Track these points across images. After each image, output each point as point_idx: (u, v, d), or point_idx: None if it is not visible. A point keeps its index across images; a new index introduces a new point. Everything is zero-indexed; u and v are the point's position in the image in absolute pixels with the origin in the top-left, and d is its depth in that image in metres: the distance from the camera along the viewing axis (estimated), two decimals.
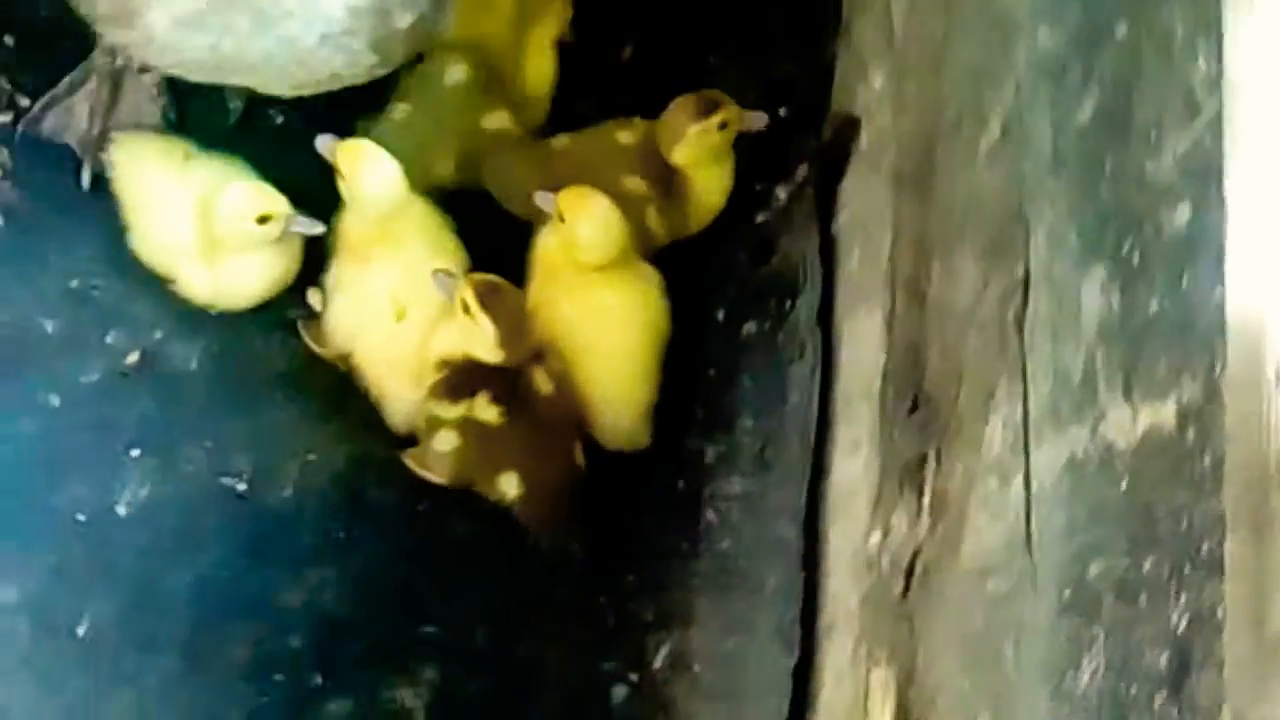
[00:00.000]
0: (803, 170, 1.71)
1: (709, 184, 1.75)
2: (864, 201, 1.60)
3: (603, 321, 1.67)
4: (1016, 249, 1.26)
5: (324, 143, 1.66)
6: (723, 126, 1.72)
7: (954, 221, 1.43)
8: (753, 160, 1.75)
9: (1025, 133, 1.31)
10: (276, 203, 1.67)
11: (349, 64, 1.59)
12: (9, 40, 1.78)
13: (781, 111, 1.80)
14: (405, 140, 1.73)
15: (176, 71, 1.64)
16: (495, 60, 1.78)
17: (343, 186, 1.65)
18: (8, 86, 1.76)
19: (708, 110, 1.71)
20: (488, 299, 1.61)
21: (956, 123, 1.48)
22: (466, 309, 1.62)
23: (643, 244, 1.72)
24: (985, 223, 1.34)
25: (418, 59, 1.73)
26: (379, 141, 1.70)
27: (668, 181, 1.74)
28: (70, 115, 1.76)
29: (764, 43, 1.83)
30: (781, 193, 1.72)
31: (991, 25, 1.44)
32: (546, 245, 1.70)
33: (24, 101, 1.76)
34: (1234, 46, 1.06)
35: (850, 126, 1.68)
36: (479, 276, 1.63)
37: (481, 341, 1.62)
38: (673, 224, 1.74)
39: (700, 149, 1.72)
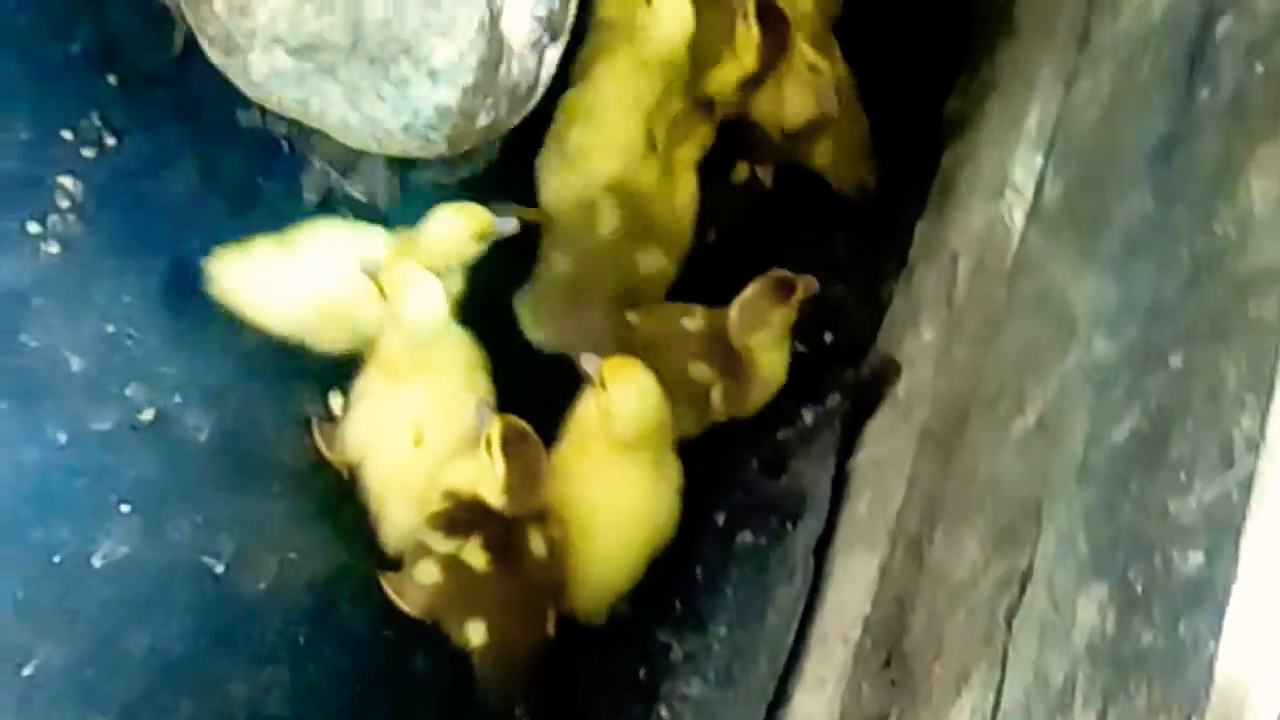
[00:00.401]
0: (834, 399, 1.72)
1: (773, 365, 1.77)
2: (886, 447, 1.62)
3: (617, 507, 1.67)
4: (1024, 542, 1.28)
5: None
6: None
7: (970, 495, 1.45)
8: (789, 376, 1.77)
9: (1059, 432, 1.33)
10: (488, 219, 1.72)
11: (422, 148, 1.66)
12: (112, 79, 1.82)
13: (827, 337, 1.83)
14: (561, 291, 1.78)
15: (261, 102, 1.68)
16: (642, 198, 1.81)
17: (384, 306, 1.66)
18: (99, 123, 1.79)
19: (787, 293, 1.74)
20: (511, 444, 1.60)
21: (995, 400, 1.50)
22: (489, 447, 1.62)
23: (700, 419, 1.75)
24: (1000, 507, 1.36)
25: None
26: (543, 295, 1.77)
27: (733, 364, 1.76)
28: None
29: (828, 263, 1.86)
30: (808, 415, 1.74)
31: (1050, 317, 1.47)
32: (585, 412, 1.70)
33: (111, 140, 1.79)
34: None
35: (891, 369, 1.70)
36: (511, 420, 1.62)
37: (491, 483, 1.62)
38: (734, 404, 1.77)
39: (776, 332, 1.76)
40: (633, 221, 1.79)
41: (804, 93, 1.85)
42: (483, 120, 1.64)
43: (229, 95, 1.78)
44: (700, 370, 1.75)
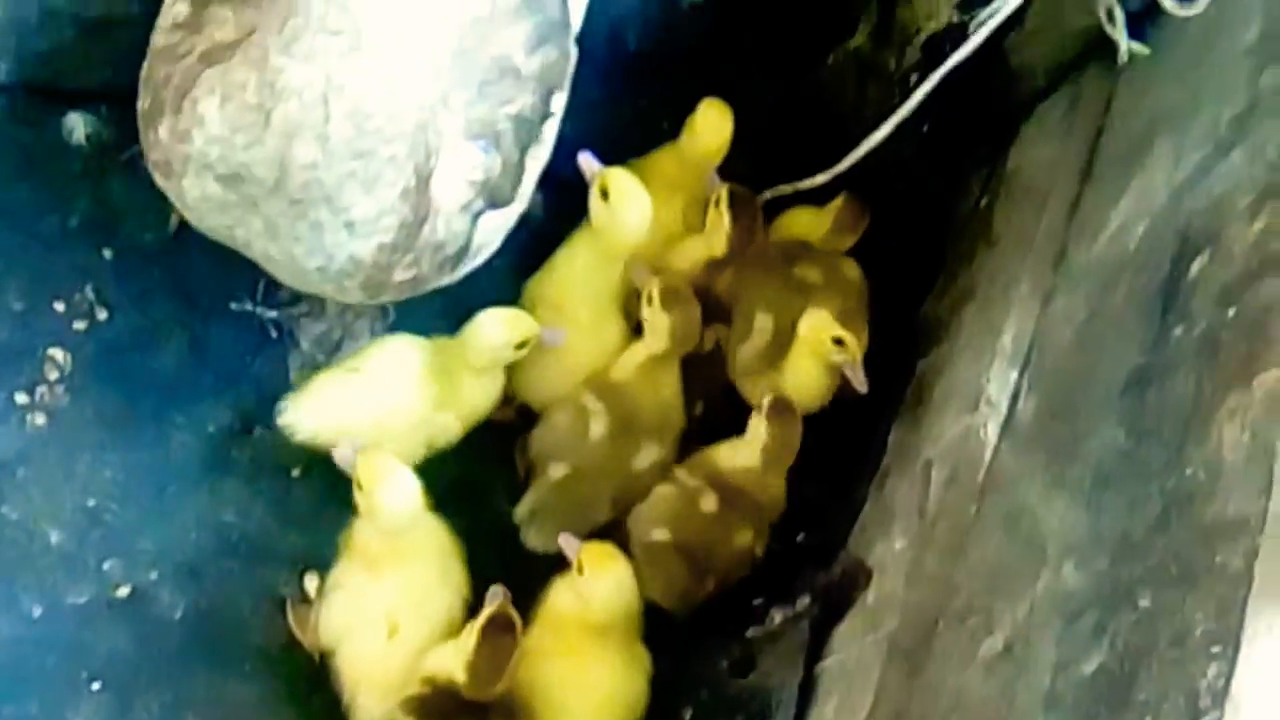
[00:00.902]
0: (804, 601, 1.74)
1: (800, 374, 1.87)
2: (855, 654, 1.63)
3: (586, 693, 1.68)
4: None
5: (343, 454, 1.72)
6: (839, 342, 1.84)
7: (936, 711, 1.46)
8: (760, 575, 1.80)
9: (1027, 658, 1.35)
10: (531, 326, 1.80)
11: (338, 292, 1.67)
12: (107, 254, 1.86)
13: (800, 536, 1.86)
14: (565, 498, 1.81)
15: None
16: (627, 390, 1.85)
17: (359, 497, 1.69)
18: (91, 297, 1.83)
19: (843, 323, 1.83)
20: (491, 630, 1.62)
21: (964, 616, 1.52)
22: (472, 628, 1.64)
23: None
24: None
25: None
26: (542, 504, 1.80)
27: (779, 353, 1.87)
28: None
29: (803, 459, 1.87)
30: (778, 615, 1.75)
31: (1020, 538, 1.50)
32: (560, 597, 1.73)
33: (102, 314, 1.83)
34: (1247, 665, 1.11)
35: (861, 573, 1.72)
36: (505, 609, 1.65)
37: (460, 664, 1.63)
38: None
39: (815, 339, 1.84)
40: (622, 420, 1.83)
41: (818, 372, 1.88)
42: (401, 275, 1.65)
43: (221, 276, 1.84)
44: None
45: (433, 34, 1.58)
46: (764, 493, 1.83)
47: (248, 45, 1.52)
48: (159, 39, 1.63)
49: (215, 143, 1.53)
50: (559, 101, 1.77)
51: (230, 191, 1.56)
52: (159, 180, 1.63)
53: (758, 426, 1.81)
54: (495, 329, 1.81)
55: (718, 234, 1.92)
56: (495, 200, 1.69)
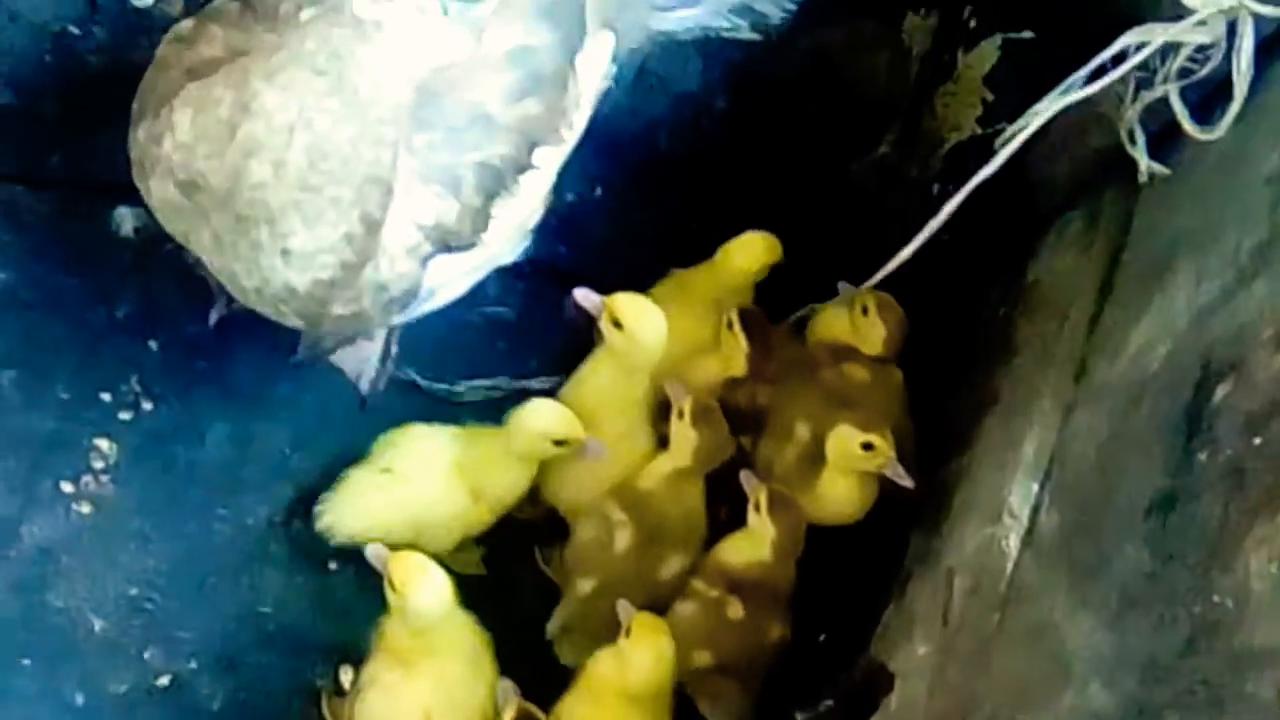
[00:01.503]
0: (826, 704, 1.78)
1: (837, 491, 1.89)
2: None
3: None
4: None
5: (375, 553, 1.76)
6: (868, 448, 1.85)
7: None
8: (784, 677, 1.84)
9: None
10: (576, 428, 1.83)
11: (277, 316, 1.70)
12: (153, 345, 1.91)
13: (822, 638, 1.90)
14: (594, 612, 1.83)
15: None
16: (652, 502, 1.88)
17: (391, 595, 1.73)
18: (137, 388, 1.87)
19: (865, 429, 1.85)
20: None
21: None
22: None
23: None
24: None
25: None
26: (573, 619, 1.84)
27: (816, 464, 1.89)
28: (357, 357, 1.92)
29: (825, 562, 1.92)
30: (800, 716, 1.79)
31: (1044, 653, 1.53)
32: (602, 664, 1.77)
33: (147, 405, 1.87)
34: None
35: (883, 677, 1.76)
36: (525, 707, 1.70)
37: None
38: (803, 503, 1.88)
39: (843, 452, 1.86)
40: (647, 531, 1.86)
41: (855, 482, 1.90)
42: (339, 310, 1.68)
43: (265, 366, 1.89)
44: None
45: (409, 81, 1.62)
46: (780, 579, 1.87)
47: (231, 67, 1.60)
48: (160, 49, 1.72)
49: (180, 149, 1.60)
50: (544, 156, 1.78)
51: (186, 198, 1.62)
52: (136, 179, 1.69)
53: (764, 524, 1.84)
54: (542, 418, 1.84)
55: (735, 356, 1.96)
56: (449, 244, 1.71)
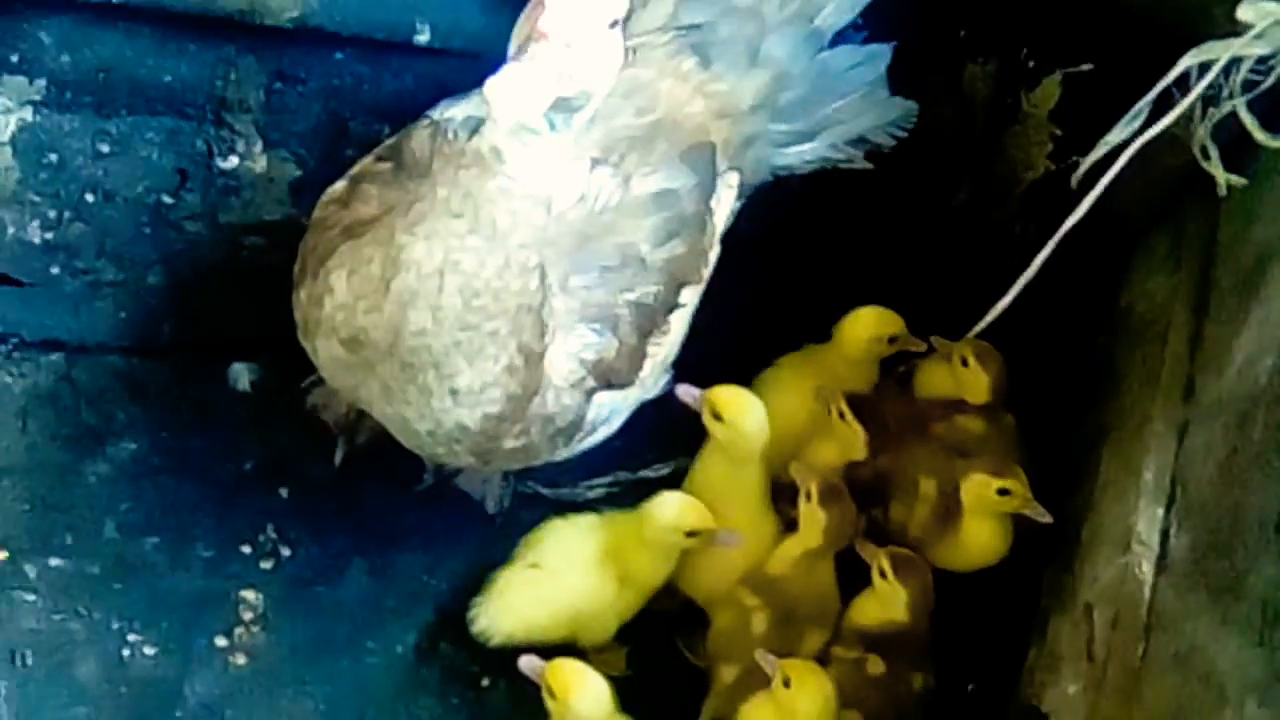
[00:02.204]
0: None
1: (979, 537, 1.93)
2: None
3: None
4: None
5: (529, 664, 1.79)
6: (1004, 492, 1.89)
7: None
8: None
9: None
10: (707, 518, 1.86)
11: (450, 456, 1.76)
12: (283, 492, 1.96)
13: (970, 686, 1.92)
14: (739, 700, 1.85)
15: None
16: (784, 585, 1.90)
17: (552, 705, 1.77)
18: (274, 535, 1.93)
19: (999, 475, 1.89)
20: None
21: None
22: None
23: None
24: None
25: None
26: (719, 713, 1.86)
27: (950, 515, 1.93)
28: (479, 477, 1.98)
29: (961, 608, 1.94)
30: None
31: (1195, 677, 1.54)
32: (758, 712, 1.82)
33: (286, 551, 1.93)
34: None
35: None
36: None
37: None
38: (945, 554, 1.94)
39: (981, 499, 1.90)
40: (782, 612, 1.88)
41: (993, 525, 1.94)
42: (511, 444, 1.74)
43: (393, 498, 1.95)
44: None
45: (556, 220, 1.68)
46: (917, 631, 1.88)
47: (379, 225, 1.66)
48: (317, 211, 1.79)
49: (341, 309, 1.66)
50: (689, 294, 1.86)
51: (352, 354, 1.67)
52: (301, 340, 1.75)
53: (893, 588, 1.87)
54: (670, 511, 1.87)
55: (853, 442, 1.98)
56: (611, 381, 1.78)
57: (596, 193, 1.77)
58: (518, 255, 1.60)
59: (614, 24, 1.54)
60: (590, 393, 1.76)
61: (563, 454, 1.81)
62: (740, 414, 1.91)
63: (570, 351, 1.72)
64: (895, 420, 2.00)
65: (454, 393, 1.66)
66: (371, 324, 1.63)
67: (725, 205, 1.91)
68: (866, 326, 2.02)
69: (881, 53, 2.00)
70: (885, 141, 2.03)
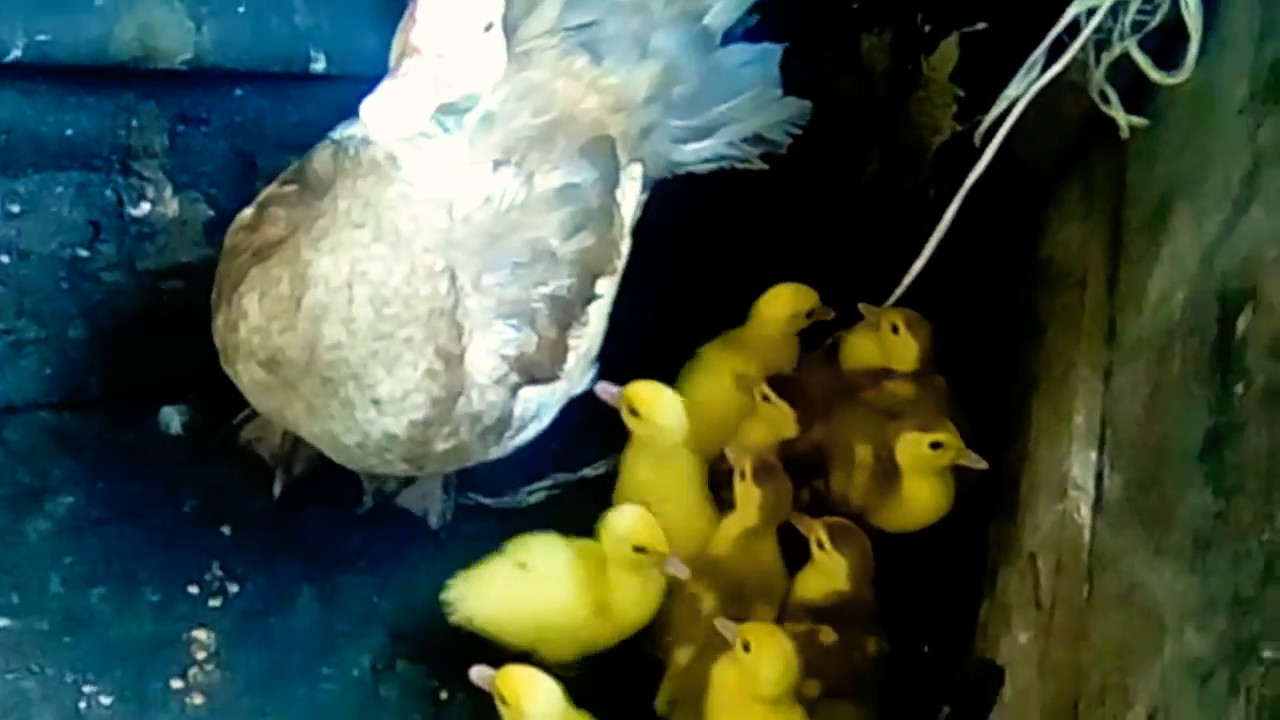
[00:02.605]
0: (944, 711, 1.81)
1: (919, 495, 1.95)
2: None
3: None
4: None
5: (479, 674, 1.79)
6: (936, 446, 1.91)
7: None
8: (899, 695, 1.88)
9: None
10: (658, 540, 1.85)
11: (383, 465, 1.77)
12: (225, 530, 1.97)
13: (925, 648, 1.93)
14: (694, 681, 1.87)
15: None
16: (727, 566, 1.92)
17: (505, 712, 1.77)
18: (220, 573, 1.93)
19: (929, 429, 1.91)
20: None
21: (1100, 695, 1.58)
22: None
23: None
24: None
25: None
26: (677, 694, 1.88)
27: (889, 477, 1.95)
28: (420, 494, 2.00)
29: (910, 570, 1.97)
30: None
31: (1137, 612, 1.56)
32: (724, 675, 1.83)
33: (233, 587, 1.93)
34: None
35: (994, 674, 1.79)
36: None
37: None
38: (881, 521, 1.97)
39: (916, 457, 1.92)
40: (729, 591, 1.89)
41: (933, 483, 1.95)
42: (442, 446, 1.75)
43: (336, 523, 1.97)
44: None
45: (464, 223, 1.71)
46: (863, 598, 1.90)
47: (285, 245, 1.67)
48: (228, 239, 1.81)
49: (256, 332, 1.67)
50: (604, 285, 1.88)
51: (272, 375, 1.69)
52: (223, 365, 1.77)
53: (832, 558, 1.89)
54: (621, 523, 1.87)
55: (783, 421, 1.99)
56: (534, 375, 1.79)
57: (501, 193, 1.78)
58: (423, 260, 1.61)
59: (488, 27, 1.55)
60: (515, 388, 1.77)
61: (495, 452, 1.82)
62: (656, 409, 1.93)
63: (490, 349, 1.73)
64: (824, 392, 2.01)
65: (376, 402, 1.67)
66: (287, 343, 1.65)
67: (631, 197, 1.93)
68: (783, 304, 2.05)
69: (773, 51, 2.03)
70: (781, 140, 2.06)
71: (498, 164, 1.79)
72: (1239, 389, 1.48)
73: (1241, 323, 1.51)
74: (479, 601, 1.86)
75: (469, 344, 1.70)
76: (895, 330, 2.03)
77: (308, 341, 1.63)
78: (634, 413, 1.93)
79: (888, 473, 1.95)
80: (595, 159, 1.86)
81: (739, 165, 2.05)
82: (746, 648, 1.79)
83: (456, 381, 1.70)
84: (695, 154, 2.02)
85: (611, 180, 1.88)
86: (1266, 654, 1.30)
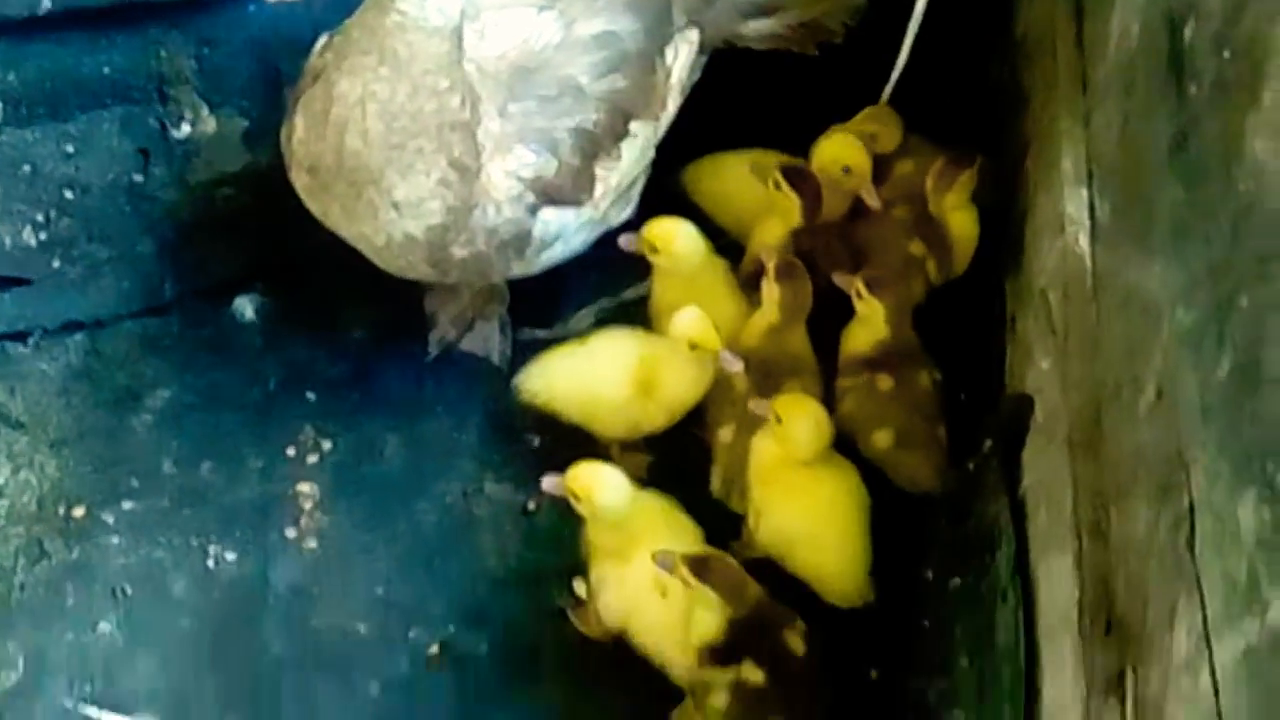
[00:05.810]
0: (987, 445, 1.96)
1: (966, 224, 2.10)
2: (1044, 466, 1.84)
3: (822, 513, 1.93)
4: (1180, 486, 1.48)
5: (549, 483, 1.92)
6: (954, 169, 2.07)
7: (1124, 472, 1.67)
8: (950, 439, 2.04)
9: (1176, 393, 1.54)
10: (711, 338, 1.98)
11: (410, 268, 1.97)
12: (310, 396, 2.14)
13: (962, 396, 2.08)
14: (742, 457, 2.00)
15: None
16: (759, 357, 2.03)
17: (578, 506, 1.91)
18: (312, 434, 2.10)
19: (967, 162, 2.08)
20: (701, 571, 1.83)
21: (1116, 391, 1.73)
22: (687, 584, 1.84)
23: (923, 289, 2.09)
24: (1151, 469, 1.57)
25: None
26: (728, 473, 2.01)
27: (938, 237, 2.09)
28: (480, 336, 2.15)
29: (940, 328, 2.11)
30: (971, 465, 1.97)
31: (1136, 311, 1.70)
32: (762, 451, 1.96)
33: (326, 444, 2.10)
34: None
35: (1025, 404, 1.93)
36: (687, 554, 1.86)
37: (708, 607, 1.83)
38: (945, 269, 2.11)
39: (963, 194, 2.07)
40: (761, 371, 2.02)
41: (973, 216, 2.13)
42: (459, 253, 1.93)
43: (408, 375, 2.14)
44: (916, 247, 2.09)
45: (497, 59, 1.92)
46: (908, 337, 2.04)
47: (327, 69, 1.88)
48: (305, 67, 1.99)
49: (301, 143, 1.90)
50: (639, 127, 2.03)
51: (314, 180, 1.90)
52: (288, 173, 1.96)
53: (871, 306, 2.02)
54: (680, 322, 1.99)
55: (790, 210, 2.10)
56: (554, 198, 1.95)
57: (538, 35, 1.96)
58: (424, 80, 1.81)
59: None
60: (533, 208, 1.93)
61: (519, 268, 1.99)
62: (673, 243, 2.05)
63: (508, 170, 1.91)
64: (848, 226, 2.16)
65: (395, 205, 1.87)
66: (321, 151, 1.87)
67: (684, 58, 2.07)
68: (827, 152, 2.14)
69: None
70: (838, 29, 2.18)
71: (542, 8, 1.96)
72: (1193, 89, 1.60)
73: (1187, 33, 1.63)
74: (541, 379, 2.02)
75: (487, 162, 1.88)
76: (874, 139, 2.16)
77: (335, 150, 1.85)
78: (654, 250, 2.06)
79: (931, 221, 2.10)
80: (641, 11, 2.00)
81: (794, 50, 2.17)
82: (779, 420, 1.93)
83: (471, 193, 1.88)
84: (755, 30, 2.15)
85: (657, 34, 2.02)
86: (1242, 303, 1.43)
